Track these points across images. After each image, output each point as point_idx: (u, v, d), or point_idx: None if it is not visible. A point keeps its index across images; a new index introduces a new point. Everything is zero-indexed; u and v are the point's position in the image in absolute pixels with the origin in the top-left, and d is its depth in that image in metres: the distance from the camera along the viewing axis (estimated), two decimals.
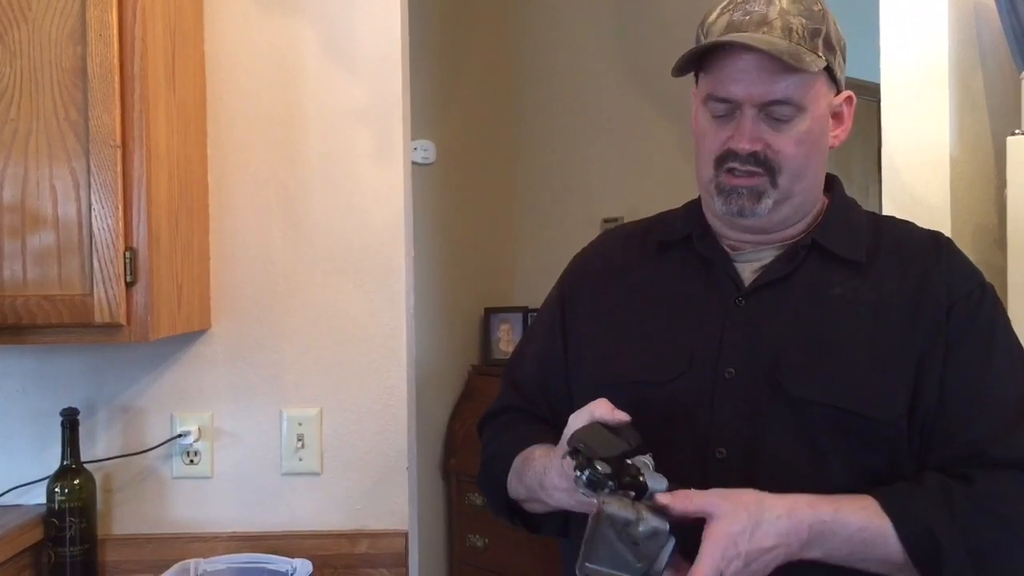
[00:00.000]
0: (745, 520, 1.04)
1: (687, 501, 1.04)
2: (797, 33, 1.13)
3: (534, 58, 3.75)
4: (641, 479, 1.03)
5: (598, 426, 1.08)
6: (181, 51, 1.60)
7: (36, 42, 1.41)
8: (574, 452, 1.05)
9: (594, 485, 1.03)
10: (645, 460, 1.06)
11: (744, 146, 1.15)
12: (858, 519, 1.08)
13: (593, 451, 1.04)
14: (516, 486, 1.28)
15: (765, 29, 1.13)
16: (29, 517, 1.63)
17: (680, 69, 1.21)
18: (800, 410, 1.14)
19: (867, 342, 1.16)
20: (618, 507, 1.02)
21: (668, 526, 1.02)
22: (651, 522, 1.02)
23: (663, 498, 1.04)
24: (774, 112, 1.15)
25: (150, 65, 1.46)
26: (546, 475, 1.18)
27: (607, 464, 1.03)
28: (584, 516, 1.08)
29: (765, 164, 1.16)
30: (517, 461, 1.27)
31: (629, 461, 1.05)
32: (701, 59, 1.18)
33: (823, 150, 1.21)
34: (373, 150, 1.74)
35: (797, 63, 1.11)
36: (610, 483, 1.02)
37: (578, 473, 1.03)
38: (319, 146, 1.73)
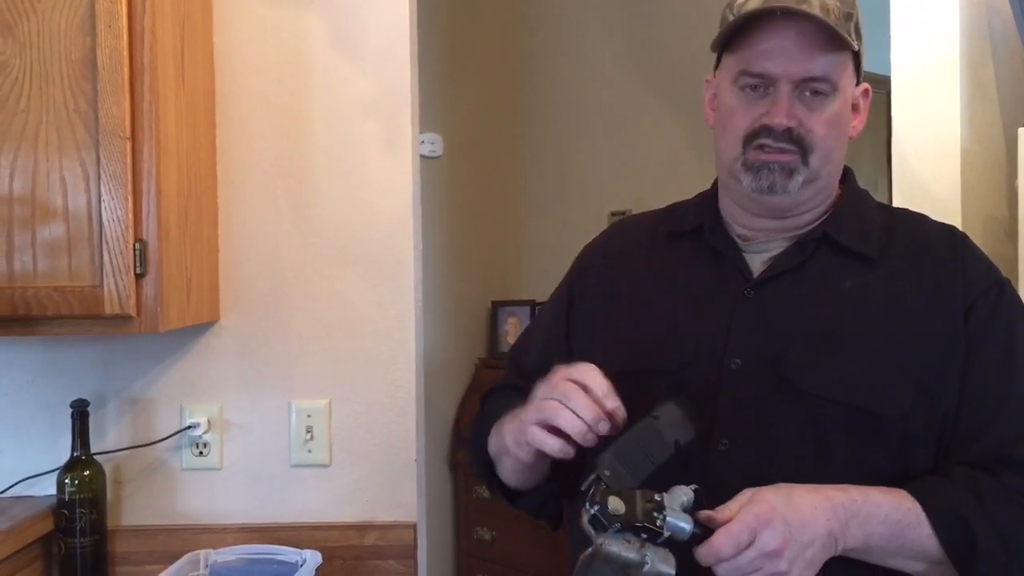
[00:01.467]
0: (778, 490, 1.04)
1: (724, 512, 1.03)
2: (833, 14, 1.13)
3: (542, 52, 3.75)
4: (658, 524, 0.99)
5: (648, 432, 1.05)
6: (190, 43, 1.60)
7: (46, 33, 1.41)
8: (597, 480, 1.01)
9: (596, 525, 1.00)
10: (682, 494, 1.02)
11: (781, 121, 1.14)
12: (888, 501, 1.07)
13: (618, 480, 1.01)
14: (493, 436, 1.26)
15: (805, 6, 1.12)
16: (39, 508, 1.63)
17: (722, 41, 1.19)
18: (806, 404, 1.12)
19: (876, 337, 1.14)
20: (619, 548, 0.99)
21: (674, 570, 1.00)
22: (656, 566, 0.99)
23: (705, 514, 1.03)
24: (811, 87, 1.14)
25: (159, 57, 1.46)
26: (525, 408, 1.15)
27: (622, 502, 0.99)
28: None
29: (798, 142, 1.15)
30: (508, 415, 1.24)
31: (657, 497, 1.00)
32: (731, 37, 1.17)
33: (846, 136, 1.21)
34: (381, 143, 1.73)
35: (842, 36, 1.12)
36: (616, 525, 0.99)
37: (587, 506, 1.00)
38: (327, 139, 1.73)
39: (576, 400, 1.06)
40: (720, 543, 1.00)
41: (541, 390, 1.11)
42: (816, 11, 1.12)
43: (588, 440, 1.06)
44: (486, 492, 3.27)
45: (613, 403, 1.07)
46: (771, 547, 1.00)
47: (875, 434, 1.12)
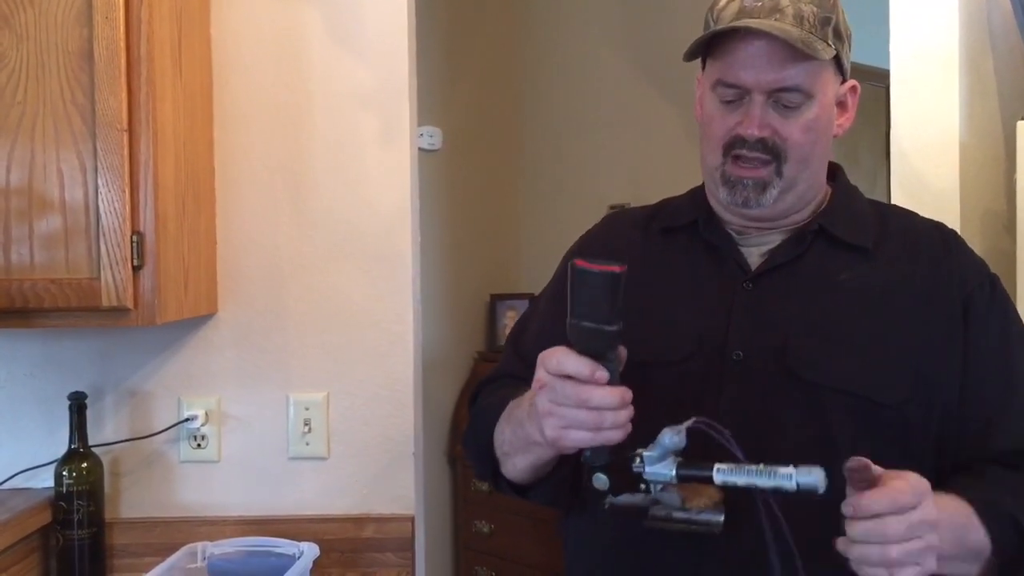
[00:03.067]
0: (914, 482, 0.98)
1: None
2: (808, 21, 1.13)
3: (541, 45, 3.74)
4: (642, 486, 1.03)
5: (582, 340, 1.01)
6: (187, 34, 1.60)
7: (42, 25, 1.40)
8: (583, 460, 1.05)
9: (596, 495, 1.06)
10: (665, 440, 1.01)
11: (753, 132, 1.15)
12: (952, 503, 1.05)
13: (599, 455, 1.04)
14: (503, 429, 1.23)
15: (777, 16, 1.13)
16: (37, 500, 1.63)
17: (692, 54, 1.21)
18: (810, 393, 1.14)
19: (875, 327, 1.17)
20: (625, 499, 1.05)
21: (678, 500, 1.04)
22: (666, 504, 1.04)
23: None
24: (783, 99, 1.15)
25: (156, 48, 1.46)
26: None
27: (605, 477, 1.04)
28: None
29: (772, 151, 1.16)
30: (513, 402, 1.21)
31: (639, 460, 1.02)
32: (710, 44, 1.18)
33: (828, 138, 1.22)
34: (379, 135, 1.73)
35: (809, 51, 1.12)
36: (609, 495, 1.04)
37: (585, 480, 1.05)
38: (325, 131, 1.73)
39: (597, 397, 1.00)
40: (878, 497, 0.93)
41: (540, 396, 1.05)
42: (787, 23, 1.12)
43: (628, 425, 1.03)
44: (485, 485, 3.27)
45: (601, 373, 1.01)
46: (932, 516, 0.95)
47: (876, 421, 1.13)
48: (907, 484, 0.95)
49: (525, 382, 1.31)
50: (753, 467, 0.99)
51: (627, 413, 1.02)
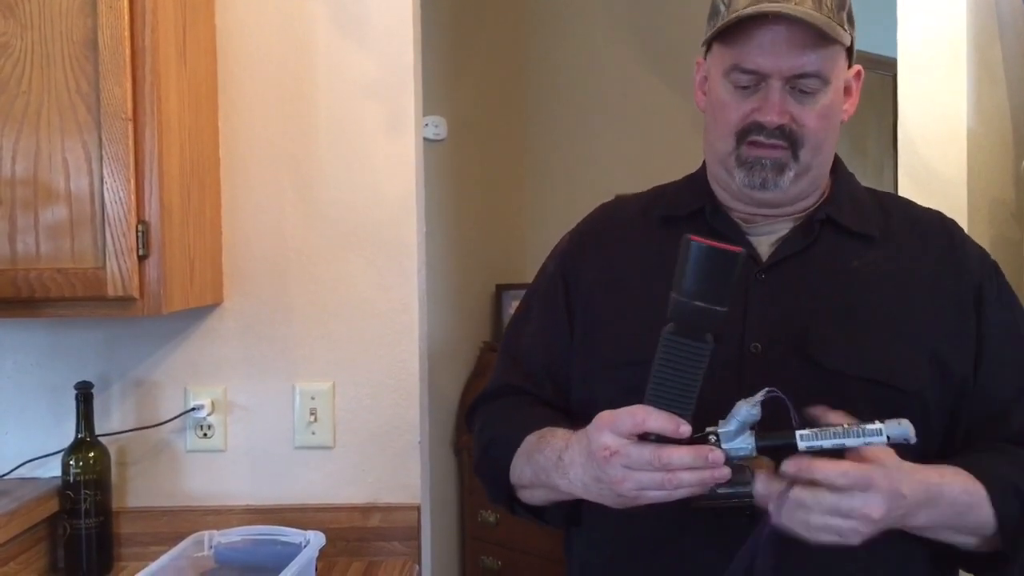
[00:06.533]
0: (902, 465, 1.01)
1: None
2: (827, 6, 1.12)
3: (546, 34, 3.73)
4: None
5: (671, 353, 0.98)
6: (192, 24, 1.59)
7: (47, 14, 1.40)
8: None
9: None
10: (741, 415, 0.98)
11: (773, 119, 1.14)
12: (960, 484, 1.07)
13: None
14: (522, 467, 1.21)
15: (796, 0, 1.11)
16: (45, 489, 1.64)
17: (711, 40, 1.19)
18: (834, 383, 1.12)
19: (891, 314, 1.17)
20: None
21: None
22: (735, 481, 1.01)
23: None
24: (801, 85, 1.14)
25: (161, 37, 1.46)
26: (567, 450, 1.11)
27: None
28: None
29: (789, 137, 1.15)
30: (531, 439, 1.20)
31: (712, 438, 0.98)
32: (723, 30, 1.16)
33: (839, 124, 1.22)
34: (384, 125, 1.73)
35: (835, 35, 1.11)
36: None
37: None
38: (330, 121, 1.73)
39: (676, 459, 0.98)
40: (825, 465, 0.96)
41: (611, 465, 1.01)
42: (809, 6, 1.11)
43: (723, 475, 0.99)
44: None
45: (685, 428, 0.98)
46: (873, 514, 0.97)
47: (898, 408, 1.10)
48: (853, 468, 0.97)
49: (526, 395, 1.30)
50: (838, 428, 0.97)
51: (708, 472, 0.98)
